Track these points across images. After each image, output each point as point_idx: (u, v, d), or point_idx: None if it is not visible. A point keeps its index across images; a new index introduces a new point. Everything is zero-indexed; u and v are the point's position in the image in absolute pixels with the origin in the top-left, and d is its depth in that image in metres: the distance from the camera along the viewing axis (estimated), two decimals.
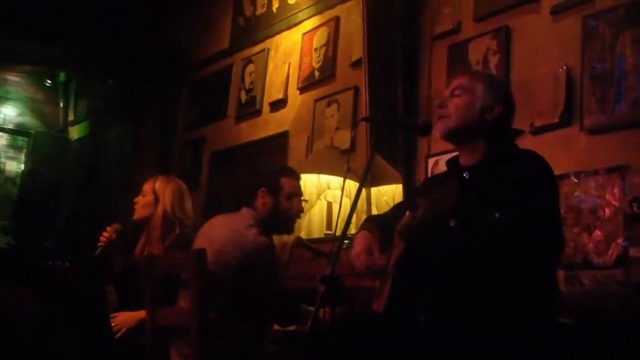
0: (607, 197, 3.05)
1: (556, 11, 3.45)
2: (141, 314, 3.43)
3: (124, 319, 3.54)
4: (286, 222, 3.40)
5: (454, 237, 2.10)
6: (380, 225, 2.53)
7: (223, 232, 3.22)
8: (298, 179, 3.45)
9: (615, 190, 3.03)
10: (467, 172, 2.37)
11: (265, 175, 3.45)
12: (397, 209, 2.73)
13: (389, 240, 2.45)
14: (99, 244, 3.69)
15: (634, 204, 2.94)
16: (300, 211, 3.45)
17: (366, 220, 2.72)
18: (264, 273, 3.13)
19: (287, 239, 4.21)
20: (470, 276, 2.10)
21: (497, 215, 2.05)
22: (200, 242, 3.26)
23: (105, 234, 3.70)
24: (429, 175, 3.82)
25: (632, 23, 3.13)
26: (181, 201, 3.75)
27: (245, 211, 3.31)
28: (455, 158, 2.48)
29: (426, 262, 2.18)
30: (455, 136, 2.43)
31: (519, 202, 2.11)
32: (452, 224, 2.06)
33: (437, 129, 2.44)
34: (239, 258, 3.09)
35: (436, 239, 2.15)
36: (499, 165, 2.29)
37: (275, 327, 3.30)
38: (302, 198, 3.46)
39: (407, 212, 2.27)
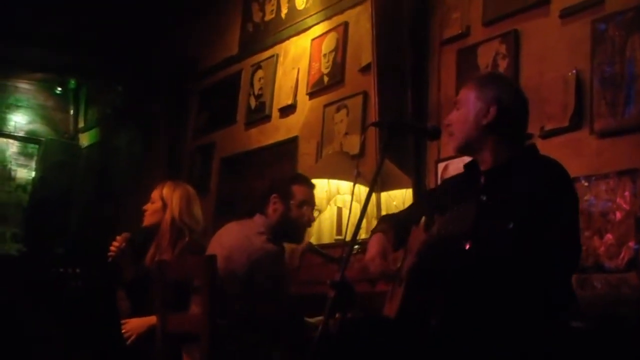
0: (618, 200, 3.04)
1: (565, 15, 3.44)
2: (152, 319, 3.43)
3: (134, 325, 3.55)
4: (296, 230, 3.38)
5: (469, 260, 2.09)
6: (395, 225, 2.53)
7: (233, 238, 3.22)
8: (311, 187, 3.42)
9: (626, 193, 3.02)
10: (483, 177, 2.37)
11: (278, 181, 3.44)
12: (413, 208, 2.72)
13: (404, 240, 2.44)
14: (109, 253, 3.70)
15: None
16: (311, 220, 3.42)
17: (381, 219, 2.71)
18: (270, 280, 3.12)
19: (298, 244, 4.21)
20: (484, 289, 2.10)
21: (510, 226, 2.04)
22: (213, 248, 3.26)
23: (115, 244, 3.70)
24: (439, 179, 3.81)
25: None
26: (189, 206, 3.76)
27: (257, 218, 3.31)
28: (474, 161, 2.47)
29: (440, 278, 2.18)
30: (463, 150, 2.43)
31: (534, 213, 2.09)
32: (467, 247, 2.04)
33: (450, 146, 2.48)
34: (246, 265, 3.09)
35: (450, 260, 2.14)
36: (516, 171, 2.28)
37: None
38: (315, 207, 3.44)
39: (423, 226, 2.25)
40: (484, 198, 2.26)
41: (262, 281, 3.09)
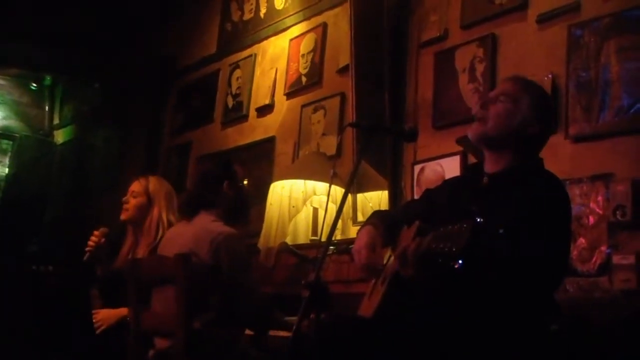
0: (591, 205, 3.07)
1: (542, 20, 3.47)
2: (122, 311, 3.44)
3: (105, 316, 3.56)
4: (247, 208, 3.47)
5: (457, 279, 2.08)
6: (387, 222, 2.51)
7: (191, 235, 3.17)
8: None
9: (599, 198, 3.05)
10: (486, 178, 2.37)
11: (221, 170, 3.40)
12: (408, 208, 2.71)
13: (393, 238, 2.42)
14: (87, 248, 3.66)
15: (617, 212, 2.96)
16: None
17: (374, 214, 2.69)
18: (237, 262, 3.11)
19: (273, 244, 4.21)
20: (466, 298, 2.11)
21: (501, 231, 2.04)
22: (169, 251, 3.18)
23: (94, 239, 3.65)
24: (415, 181, 3.82)
25: (617, 32, 3.15)
26: (173, 205, 3.74)
27: (203, 213, 3.28)
28: (478, 164, 2.47)
29: (423, 291, 2.19)
30: (487, 141, 2.40)
31: (526, 226, 2.09)
32: (456, 266, 2.04)
33: (471, 130, 2.42)
34: (210, 251, 3.07)
35: (439, 276, 2.13)
36: (519, 180, 2.28)
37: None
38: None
39: (415, 230, 2.24)
40: (481, 220, 2.25)
41: (229, 264, 3.07)
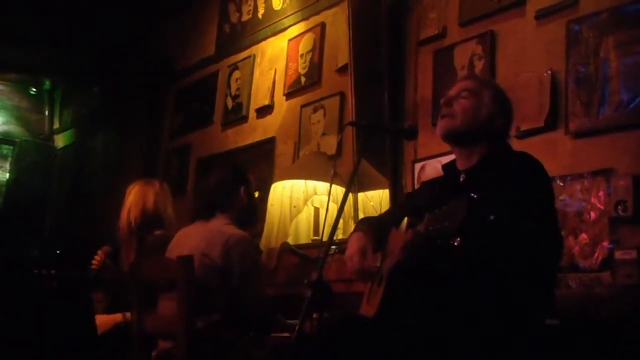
0: (593, 200, 3.07)
1: (541, 16, 3.47)
2: (117, 317, 3.47)
3: (99, 323, 3.58)
4: (256, 214, 3.56)
5: (457, 256, 2.09)
6: (375, 227, 2.53)
7: (202, 237, 3.21)
8: None
9: (601, 193, 3.05)
10: (463, 175, 2.39)
11: (236, 175, 3.48)
12: (392, 211, 2.73)
13: (382, 242, 2.44)
14: (92, 267, 3.76)
15: (619, 207, 2.96)
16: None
17: (361, 221, 2.72)
18: (246, 264, 3.14)
19: (275, 245, 4.21)
20: (467, 286, 2.11)
21: (491, 217, 2.05)
22: (180, 252, 3.20)
23: (97, 258, 3.75)
24: (416, 180, 3.82)
25: (616, 28, 3.15)
26: (143, 204, 3.83)
27: (219, 215, 3.33)
28: (452, 162, 2.49)
29: (424, 277, 2.19)
30: (457, 137, 2.42)
31: (512, 204, 2.11)
32: (456, 243, 2.05)
33: (440, 127, 2.44)
34: (222, 253, 3.11)
35: (439, 256, 2.14)
36: (494, 167, 2.31)
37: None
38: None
39: (404, 227, 2.25)
40: (474, 196, 2.25)
41: (240, 266, 3.11)
